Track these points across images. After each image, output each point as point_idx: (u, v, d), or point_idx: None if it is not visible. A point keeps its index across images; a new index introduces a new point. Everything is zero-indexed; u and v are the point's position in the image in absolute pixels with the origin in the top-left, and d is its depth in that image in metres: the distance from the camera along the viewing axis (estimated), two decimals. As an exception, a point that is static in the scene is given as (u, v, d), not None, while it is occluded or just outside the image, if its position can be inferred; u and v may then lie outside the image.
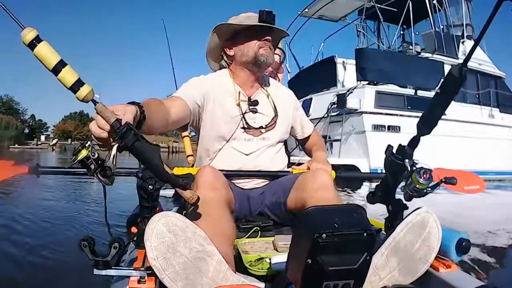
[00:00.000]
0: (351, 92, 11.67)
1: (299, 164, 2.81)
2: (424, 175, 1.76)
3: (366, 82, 12.05)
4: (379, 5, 14.07)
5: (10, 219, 5.17)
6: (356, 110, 11.54)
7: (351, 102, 11.49)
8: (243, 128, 2.54)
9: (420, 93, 12.47)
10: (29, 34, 1.31)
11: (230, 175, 2.44)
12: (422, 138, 1.77)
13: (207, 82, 2.55)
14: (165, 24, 6.95)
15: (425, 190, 1.79)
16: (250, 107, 2.57)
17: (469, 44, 15.49)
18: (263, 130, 2.56)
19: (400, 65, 13.09)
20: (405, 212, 1.89)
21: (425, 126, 1.77)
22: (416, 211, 1.78)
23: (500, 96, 15.84)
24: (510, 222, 5.73)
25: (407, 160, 1.79)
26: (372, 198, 2.00)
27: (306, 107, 12.78)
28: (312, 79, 14.09)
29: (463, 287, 1.70)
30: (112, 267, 1.54)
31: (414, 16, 14.59)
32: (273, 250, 2.15)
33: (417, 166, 1.79)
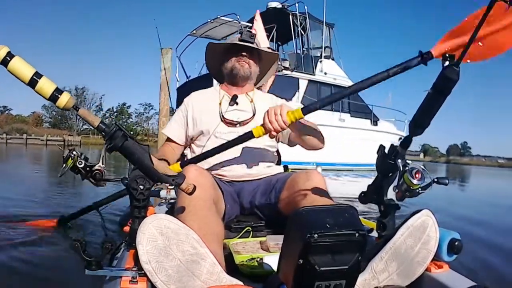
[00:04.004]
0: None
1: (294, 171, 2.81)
2: (417, 175, 1.75)
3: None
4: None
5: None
6: None
7: None
8: (222, 120, 2.68)
9: None
10: (0, 52, 1.31)
11: (211, 153, 2.44)
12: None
13: (190, 100, 2.88)
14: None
15: (417, 190, 1.78)
16: (230, 103, 2.74)
17: (326, 63, 20.31)
18: (238, 125, 2.67)
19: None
20: (397, 212, 1.90)
21: (417, 127, 1.77)
22: (417, 215, 1.77)
23: (351, 105, 20.84)
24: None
25: (399, 160, 1.79)
26: (364, 198, 1.99)
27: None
28: (194, 89, 15.09)
29: (455, 287, 1.70)
30: (104, 268, 1.52)
31: (283, 38, 21.03)
32: (264, 251, 2.15)
33: (409, 166, 1.78)
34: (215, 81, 3.15)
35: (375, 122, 21.94)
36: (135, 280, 1.49)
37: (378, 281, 1.70)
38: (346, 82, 20.46)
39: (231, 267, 1.92)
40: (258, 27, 5.93)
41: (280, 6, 19.81)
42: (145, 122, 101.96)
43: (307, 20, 20.01)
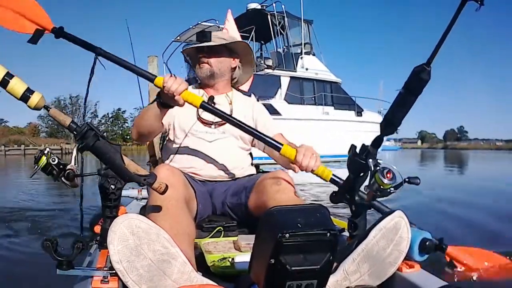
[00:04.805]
0: None
1: (264, 171, 2.79)
2: (388, 175, 1.76)
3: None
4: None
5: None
6: None
7: None
8: (198, 119, 2.66)
9: (261, 101, 14.84)
10: None
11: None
12: None
13: None
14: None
15: (388, 190, 1.79)
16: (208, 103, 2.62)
17: (306, 58, 21.18)
18: (213, 126, 2.65)
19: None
20: (368, 212, 1.91)
21: (389, 126, 1.78)
22: (389, 216, 1.76)
23: (335, 98, 21.83)
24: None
25: (370, 160, 1.80)
26: (335, 197, 2.00)
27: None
28: None
29: (426, 287, 1.71)
30: (75, 267, 1.51)
31: (265, 38, 21.95)
32: (236, 250, 2.15)
33: (380, 166, 1.79)
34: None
35: (359, 113, 22.63)
36: (106, 280, 1.49)
37: (350, 281, 1.71)
38: (328, 76, 21.76)
39: (203, 267, 1.92)
40: (230, 27, 5.98)
41: (259, 7, 20.40)
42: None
43: (285, 19, 20.60)
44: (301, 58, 21.10)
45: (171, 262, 1.51)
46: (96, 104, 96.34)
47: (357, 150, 1.87)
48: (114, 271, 1.45)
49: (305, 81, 20.78)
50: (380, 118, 22.44)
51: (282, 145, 2.24)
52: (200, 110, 2.60)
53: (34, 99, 1.41)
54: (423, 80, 1.67)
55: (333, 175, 2.20)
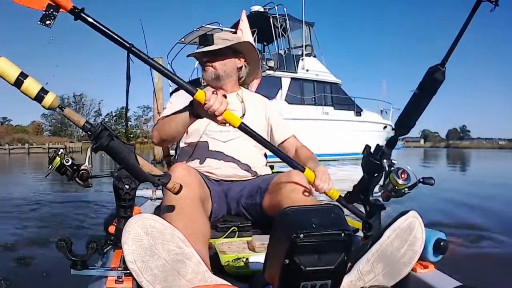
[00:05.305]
0: None
1: (278, 172, 2.80)
2: (402, 175, 1.76)
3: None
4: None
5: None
6: None
7: None
8: None
9: None
10: None
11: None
12: None
13: (181, 96, 2.70)
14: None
15: (403, 190, 1.79)
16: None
17: (307, 60, 22.37)
18: (228, 124, 2.59)
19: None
20: (383, 212, 1.90)
21: (403, 127, 1.77)
22: (403, 216, 1.76)
23: (334, 98, 22.98)
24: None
25: (385, 160, 1.80)
26: (349, 198, 2.00)
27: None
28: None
29: (440, 287, 1.70)
30: (90, 267, 1.51)
31: (268, 40, 22.93)
32: (250, 250, 2.15)
33: (395, 166, 1.79)
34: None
35: (358, 113, 23.88)
36: (120, 279, 1.49)
37: (364, 282, 1.70)
38: (328, 77, 23.10)
39: (217, 267, 1.92)
40: (244, 27, 6.01)
41: (262, 10, 21.25)
42: (144, 125, 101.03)
43: (287, 21, 21.46)
44: (302, 59, 22.27)
45: (185, 262, 1.51)
46: (100, 103, 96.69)
47: (372, 150, 1.86)
48: (128, 271, 1.45)
49: (305, 82, 21.63)
50: (379, 118, 24.63)
51: (304, 168, 2.36)
52: None
53: (49, 99, 1.41)
54: (438, 81, 1.66)
55: (340, 196, 2.36)
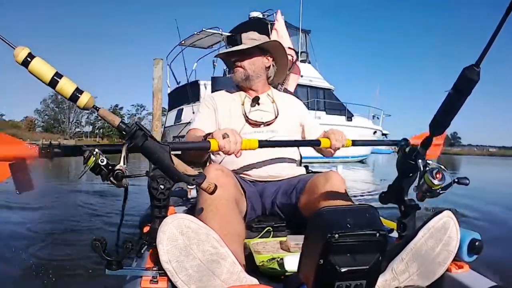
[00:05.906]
0: None
1: (315, 172, 2.80)
2: (437, 176, 1.74)
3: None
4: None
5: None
6: None
7: None
8: (247, 121, 2.68)
9: None
10: (21, 53, 1.31)
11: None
12: None
13: (214, 101, 2.81)
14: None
15: (438, 191, 1.77)
16: (252, 104, 2.73)
17: (302, 66, 21.03)
18: (262, 126, 2.66)
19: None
20: (418, 213, 1.89)
21: (438, 127, 1.75)
22: (438, 216, 1.75)
23: (327, 103, 23.43)
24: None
25: (420, 160, 1.78)
26: (384, 198, 1.99)
27: (179, 114, 17.70)
28: (184, 94, 17.96)
29: (475, 287, 1.69)
30: (124, 267, 1.52)
31: None
32: (285, 251, 2.14)
33: (430, 166, 1.77)
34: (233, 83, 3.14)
35: (349, 118, 24.17)
36: (155, 280, 1.50)
37: (399, 281, 1.70)
38: (322, 83, 23.45)
39: (252, 267, 1.93)
40: (279, 27, 5.95)
41: (261, 16, 21.40)
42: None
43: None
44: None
45: (220, 262, 1.51)
46: (96, 97, 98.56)
47: (407, 151, 1.85)
48: (163, 271, 1.46)
49: (299, 87, 21.34)
50: (370, 123, 24.88)
51: (319, 140, 2.49)
52: (247, 111, 2.66)
53: (84, 99, 1.42)
54: (472, 81, 1.64)
55: (352, 140, 2.57)
